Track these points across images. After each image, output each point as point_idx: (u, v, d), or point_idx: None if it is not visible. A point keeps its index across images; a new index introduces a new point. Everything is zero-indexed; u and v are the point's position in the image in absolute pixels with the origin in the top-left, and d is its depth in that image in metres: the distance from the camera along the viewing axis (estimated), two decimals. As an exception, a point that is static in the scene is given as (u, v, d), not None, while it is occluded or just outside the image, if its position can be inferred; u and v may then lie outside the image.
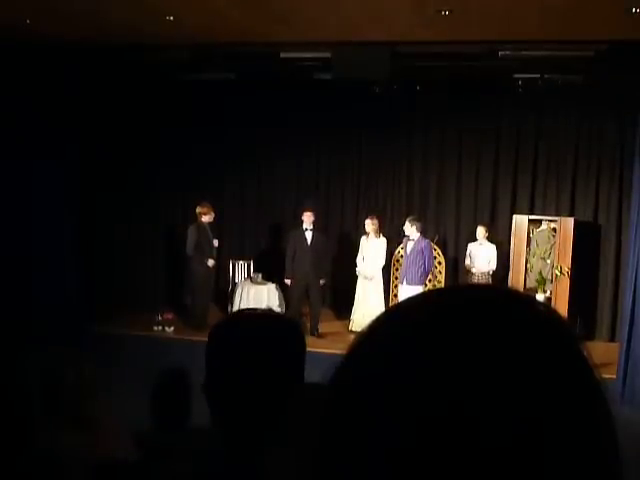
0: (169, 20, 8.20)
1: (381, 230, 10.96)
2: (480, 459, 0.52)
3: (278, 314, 1.82)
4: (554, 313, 0.61)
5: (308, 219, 10.63)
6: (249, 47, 9.47)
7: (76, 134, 10.47)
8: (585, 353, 0.59)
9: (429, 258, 10.36)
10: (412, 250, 10.32)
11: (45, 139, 9.96)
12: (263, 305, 10.39)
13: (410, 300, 0.63)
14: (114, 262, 11.63)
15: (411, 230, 10.37)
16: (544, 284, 10.38)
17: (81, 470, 2.25)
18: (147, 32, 8.76)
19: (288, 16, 8.03)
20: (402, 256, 10.74)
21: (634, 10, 7.12)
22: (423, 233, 10.58)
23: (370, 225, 10.78)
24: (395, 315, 0.62)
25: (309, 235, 10.63)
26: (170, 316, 10.81)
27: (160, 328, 10.59)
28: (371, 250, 10.76)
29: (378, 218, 10.98)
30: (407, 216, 10.79)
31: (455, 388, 0.53)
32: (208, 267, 10.77)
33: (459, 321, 0.57)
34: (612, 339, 10.75)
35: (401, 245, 10.83)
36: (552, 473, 0.53)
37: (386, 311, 0.64)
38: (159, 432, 3.23)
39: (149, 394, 3.32)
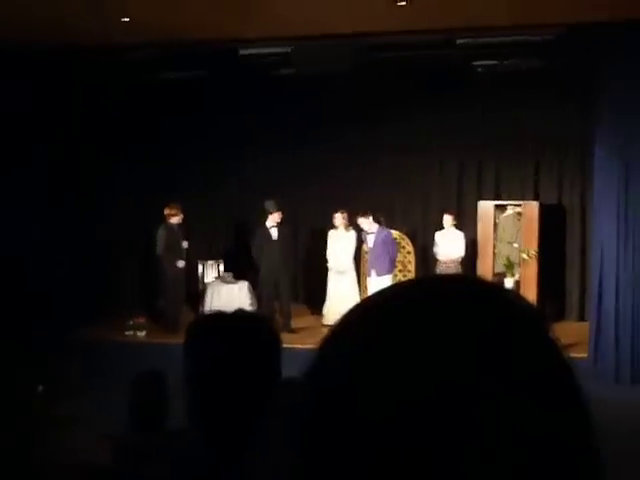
0: (126, 21, 8.13)
1: (350, 223, 10.97)
2: (455, 451, 0.52)
3: (251, 314, 1.83)
4: (521, 300, 0.62)
5: (274, 218, 10.64)
6: (210, 44, 9.41)
7: (43, 137, 10.34)
8: (552, 336, 0.60)
9: (392, 246, 10.45)
10: (375, 243, 10.40)
11: (12, 143, 9.84)
12: (235, 304, 10.36)
13: (380, 294, 0.63)
14: (82, 266, 11.48)
15: (367, 223, 10.43)
16: (512, 268, 10.48)
17: (59, 476, 2.23)
18: (107, 34, 8.67)
19: (249, 12, 8.00)
20: (367, 252, 10.80)
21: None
22: (381, 224, 10.62)
23: (340, 219, 10.79)
24: (366, 309, 0.62)
25: (275, 231, 10.64)
26: (142, 320, 10.72)
27: (132, 333, 10.50)
28: (341, 244, 10.77)
29: (347, 212, 11.00)
30: (374, 209, 10.80)
31: (427, 380, 0.53)
32: (179, 269, 10.71)
33: (428, 314, 0.57)
34: (582, 318, 10.89)
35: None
36: (526, 457, 0.53)
37: (357, 305, 0.64)
38: (136, 436, 3.21)
39: (125, 398, 3.30)
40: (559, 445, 0.55)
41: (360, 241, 10.91)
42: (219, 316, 1.69)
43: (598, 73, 8.76)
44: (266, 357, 1.60)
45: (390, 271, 10.33)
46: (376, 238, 10.40)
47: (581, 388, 0.58)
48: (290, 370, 1.59)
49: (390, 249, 10.36)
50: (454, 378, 0.53)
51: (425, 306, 0.58)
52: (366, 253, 11.05)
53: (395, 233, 11.03)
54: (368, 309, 0.62)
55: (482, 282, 0.63)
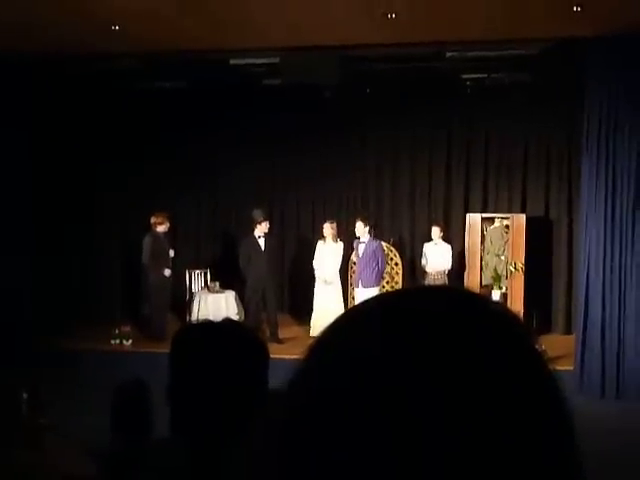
0: (115, 30, 8.12)
1: (339, 235, 10.98)
2: (437, 461, 0.52)
3: (239, 323, 1.82)
4: (507, 311, 0.62)
5: (262, 228, 10.64)
6: (198, 54, 9.42)
7: (28, 145, 10.29)
8: (537, 348, 0.60)
9: (382, 259, 10.44)
10: (364, 253, 10.38)
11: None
12: (222, 314, 10.33)
13: (365, 304, 0.63)
14: (67, 274, 11.43)
15: (363, 230, 10.43)
16: (500, 281, 10.51)
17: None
18: (93, 42, 8.65)
19: (235, 23, 8.01)
20: (355, 262, 10.81)
21: (575, 8, 7.28)
22: (374, 235, 10.64)
23: (329, 229, 10.80)
24: (352, 319, 0.62)
25: (262, 242, 10.64)
26: (128, 328, 10.66)
27: (118, 341, 10.45)
28: (329, 254, 10.77)
29: (336, 223, 11.01)
30: (356, 218, 10.82)
31: (412, 390, 0.53)
32: (165, 277, 10.67)
33: (414, 324, 0.57)
34: (568, 331, 10.92)
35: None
36: (508, 467, 0.53)
37: (342, 315, 0.64)
38: (120, 445, 3.19)
39: (109, 409, 3.28)
40: (542, 457, 0.55)
41: (349, 250, 10.93)
42: (206, 325, 1.68)
43: (584, 86, 8.82)
44: (253, 367, 1.60)
45: (377, 284, 10.31)
46: (366, 248, 10.39)
47: (566, 401, 0.58)
48: (277, 380, 1.59)
49: (379, 261, 10.35)
50: (438, 389, 0.53)
51: (411, 316, 0.58)
52: (354, 264, 11.07)
53: (383, 244, 11.04)
54: (353, 319, 0.62)
55: (468, 293, 0.63)
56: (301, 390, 0.59)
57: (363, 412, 0.54)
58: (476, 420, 0.53)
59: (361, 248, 10.46)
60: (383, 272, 10.59)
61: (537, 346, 0.60)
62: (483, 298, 0.63)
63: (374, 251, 10.35)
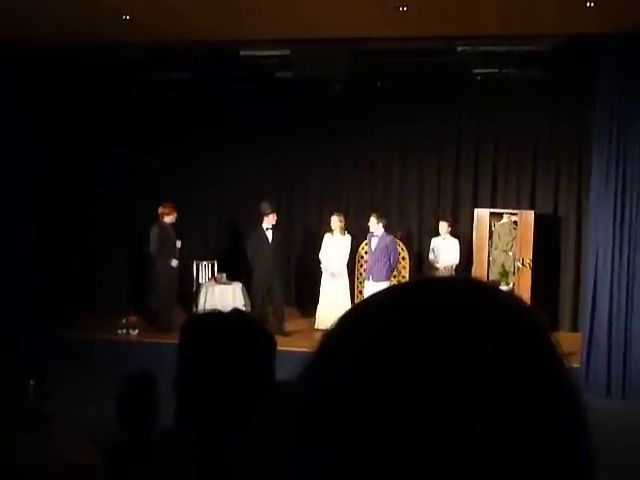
0: (126, 19, 8.12)
1: (346, 228, 10.98)
2: (452, 454, 0.51)
3: (247, 314, 1.82)
4: (518, 301, 0.61)
5: (269, 220, 10.64)
6: (209, 45, 9.41)
7: (32, 134, 10.30)
8: (551, 339, 0.59)
9: (394, 254, 10.44)
10: (377, 247, 10.39)
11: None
12: (229, 305, 10.33)
13: (375, 297, 0.63)
14: (75, 264, 11.45)
15: (377, 226, 10.43)
16: (507, 277, 10.49)
17: (41, 477, 2.22)
18: (102, 32, 8.64)
19: (247, 14, 8.00)
20: (366, 253, 10.80)
21: (588, 4, 7.23)
22: (387, 229, 10.64)
23: (336, 222, 10.79)
24: (362, 312, 0.62)
25: (270, 234, 10.64)
26: (134, 318, 10.69)
27: (124, 331, 10.47)
28: (336, 247, 10.76)
29: (343, 215, 11.01)
30: (370, 213, 10.82)
31: (426, 381, 0.53)
32: (172, 268, 10.68)
33: (425, 317, 0.57)
34: (574, 329, 10.90)
35: (365, 242, 10.91)
36: (522, 464, 0.52)
37: (353, 308, 0.63)
38: (126, 436, 3.19)
39: (114, 399, 3.28)
40: (554, 450, 0.54)
41: (357, 243, 10.92)
42: (214, 316, 1.68)
43: (595, 84, 8.78)
44: (260, 357, 1.60)
45: (388, 278, 10.32)
46: (379, 242, 10.40)
47: (580, 393, 0.58)
48: (283, 372, 1.59)
49: (391, 256, 10.36)
50: (450, 380, 0.53)
51: (419, 309, 0.58)
52: (361, 257, 11.05)
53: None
54: (363, 312, 0.62)
55: (477, 283, 0.62)
56: (311, 384, 0.59)
57: (372, 405, 0.53)
58: (485, 410, 0.52)
59: (374, 242, 10.47)
60: (394, 267, 10.60)
61: (550, 337, 0.59)
62: (492, 288, 0.62)
63: (387, 245, 10.36)
